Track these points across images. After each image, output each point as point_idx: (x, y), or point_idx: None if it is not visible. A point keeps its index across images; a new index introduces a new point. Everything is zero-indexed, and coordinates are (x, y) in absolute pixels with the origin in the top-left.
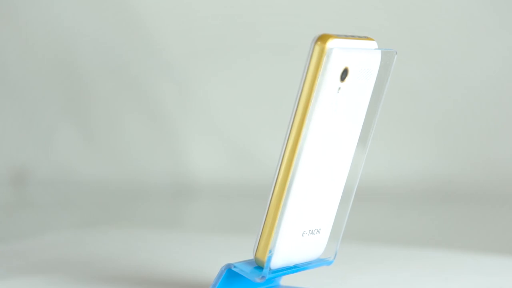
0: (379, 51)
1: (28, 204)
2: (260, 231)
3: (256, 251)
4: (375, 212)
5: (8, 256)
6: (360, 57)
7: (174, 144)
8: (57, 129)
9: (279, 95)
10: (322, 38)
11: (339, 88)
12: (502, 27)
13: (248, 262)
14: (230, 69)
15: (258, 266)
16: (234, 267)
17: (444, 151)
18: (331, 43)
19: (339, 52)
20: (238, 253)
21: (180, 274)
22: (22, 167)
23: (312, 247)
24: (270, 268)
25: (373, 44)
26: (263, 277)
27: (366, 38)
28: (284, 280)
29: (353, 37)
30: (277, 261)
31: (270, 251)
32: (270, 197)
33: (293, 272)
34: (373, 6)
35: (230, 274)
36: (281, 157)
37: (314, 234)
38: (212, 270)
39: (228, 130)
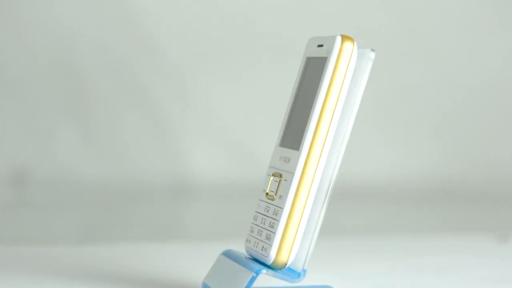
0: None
1: (28, 204)
2: (281, 234)
3: (277, 254)
4: (374, 212)
5: (8, 256)
6: None
7: (174, 144)
8: (57, 129)
9: (279, 95)
10: (349, 40)
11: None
12: (502, 27)
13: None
14: (230, 69)
15: (271, 267)
16: (267, 272)
17: (444, 151)
18: (355, 45)
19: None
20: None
21: (181, 275)
22: (22, 167)
23: None
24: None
25: None
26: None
27: None
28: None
29: None
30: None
31: (307, 253)
32: (292, 199)
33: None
34: (373, 6)
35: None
36: (307, 157)
37: None
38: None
39: (228, 130)
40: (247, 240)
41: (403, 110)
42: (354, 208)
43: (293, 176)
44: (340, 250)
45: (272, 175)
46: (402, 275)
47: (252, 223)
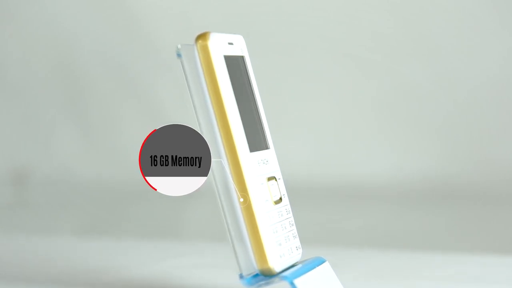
0: None
1: (28, 204)
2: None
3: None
4: (375, 212)
5: (8, 256)
6: None
7: None
8: (57, 129)
9: (279, 94)
10: None
11: None
12: (502, 27)
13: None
14: None
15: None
16: None
17: (445, 151)
18: None
19: None
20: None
21: (181, 276)
22: (23, 167)
23: None
24: None
25: None
26: None
27: None
28: None
29: None
30: None
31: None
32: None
33: None
34: (374, 7)
35: None
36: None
37: None
38: (215, 273)
39: None
40: (282, 255)
41: (403, 110)
42: (354, 209)
43: (280, 172)
44: (340, 250)
45: (267, 181)
46: (400, 275)
47: (277, 236)
